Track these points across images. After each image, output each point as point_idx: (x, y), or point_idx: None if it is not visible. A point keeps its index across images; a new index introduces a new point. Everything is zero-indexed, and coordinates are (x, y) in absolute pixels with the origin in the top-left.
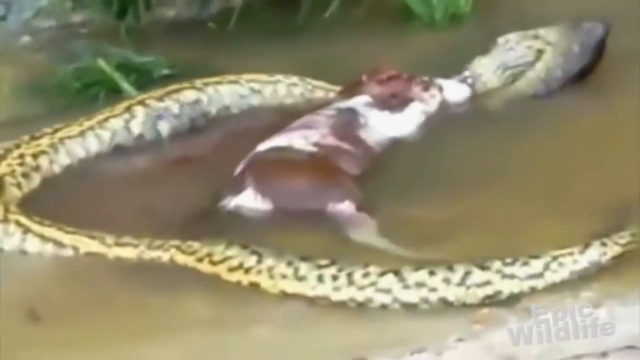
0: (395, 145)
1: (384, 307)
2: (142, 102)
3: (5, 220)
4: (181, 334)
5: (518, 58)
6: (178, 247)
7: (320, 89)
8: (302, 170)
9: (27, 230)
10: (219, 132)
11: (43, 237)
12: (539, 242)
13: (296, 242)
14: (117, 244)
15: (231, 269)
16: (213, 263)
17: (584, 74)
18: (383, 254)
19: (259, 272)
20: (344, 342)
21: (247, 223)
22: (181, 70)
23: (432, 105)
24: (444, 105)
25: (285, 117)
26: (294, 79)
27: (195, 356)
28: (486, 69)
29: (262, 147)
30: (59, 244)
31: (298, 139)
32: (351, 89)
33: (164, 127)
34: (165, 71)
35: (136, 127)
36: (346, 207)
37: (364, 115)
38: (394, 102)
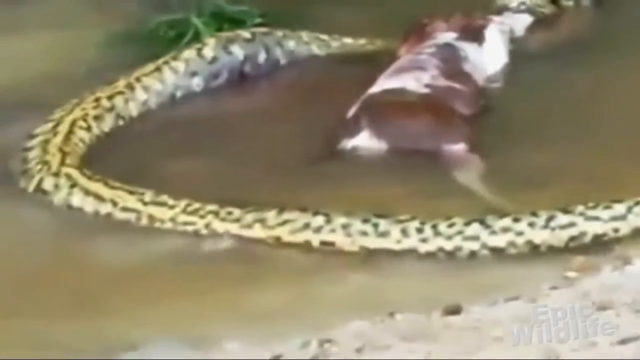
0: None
1: (472, 255)
2: (213, 36)
3: (58, 173)
4: (280, 281)
5: None
6: (216, 214)
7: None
8: (418, 111)
9: (74, 184)
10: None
11: (87, 192)
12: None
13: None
14: (154, 203)
15: (294, 231)
16: (269, 227)
17: None
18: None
19: (332, 230)
20: (437, 291)
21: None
22: (273, 19)
23: (505, 29)
24: (514, 38)
25: (364, 65)
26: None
27: (292, 303)
28: None
29: (375, 89)
30: (99, 198)
31: (410, 81)
32: (420, 33)
33: (237, 50)
34: (258, 20)
35: (208, 52)
36: (460, 148)
37: (462, 49)
38: (474, 34)
